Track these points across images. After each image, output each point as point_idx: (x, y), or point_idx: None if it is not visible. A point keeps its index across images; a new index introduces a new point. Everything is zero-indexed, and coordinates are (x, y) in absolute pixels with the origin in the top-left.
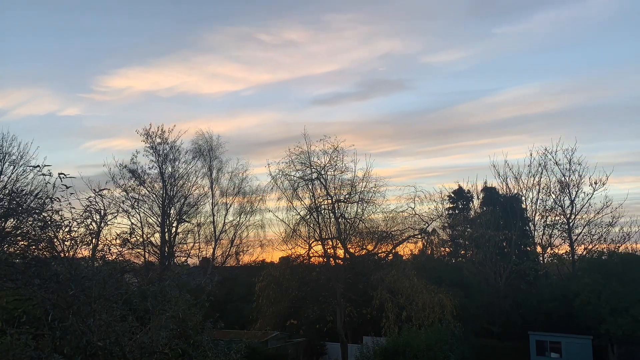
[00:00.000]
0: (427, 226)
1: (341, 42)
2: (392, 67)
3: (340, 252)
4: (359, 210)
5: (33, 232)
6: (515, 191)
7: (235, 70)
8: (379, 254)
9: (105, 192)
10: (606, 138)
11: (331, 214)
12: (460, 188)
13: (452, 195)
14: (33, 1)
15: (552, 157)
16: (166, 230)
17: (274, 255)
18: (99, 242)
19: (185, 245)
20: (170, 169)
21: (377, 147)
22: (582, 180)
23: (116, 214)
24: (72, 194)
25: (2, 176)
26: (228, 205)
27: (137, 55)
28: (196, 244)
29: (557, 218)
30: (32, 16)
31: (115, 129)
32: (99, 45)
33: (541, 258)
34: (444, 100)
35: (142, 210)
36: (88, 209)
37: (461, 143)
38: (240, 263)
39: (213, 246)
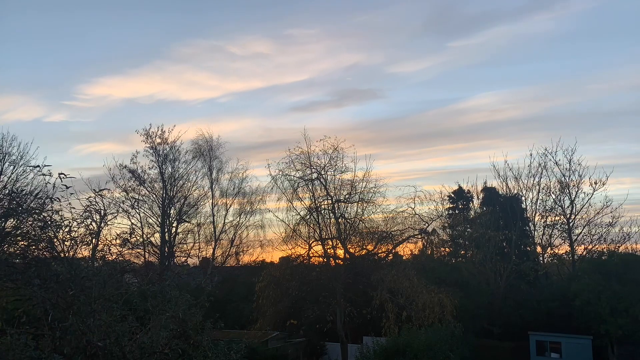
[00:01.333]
0: (427, 226)
1: (308, 55)
2: (359, 78)
3: (340, 252)
4: (359, 211)
5: (33, 232)
6: (515, 191)
7: (209, 79)
8: (379, 254)
9: (105, 192)
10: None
11: (331, 214)
12: (460, 188)
13: (452, 196)
14: (7, 14)
15: (552, 157)
16: (166, 230)
17: (274, 256)
18: (99, 242)
19: (185, 246)
20: (170, 169)
21: (357, 151)
22: (582, 181)
23: (116, 214)
24: (72, 194)
25: (2, 176)
26: (228, 206)
27: (114, 66)
28: (196, 244)
29: (557, 218)
30: (7, 26)
31: (102, 134)
32: (77, 56)
33: (541, 258)
34: (414, 108)
35: (142, 211)
36: (88, 209)
37: (439, 147)
38: (240, 263)
39: (213, 246)
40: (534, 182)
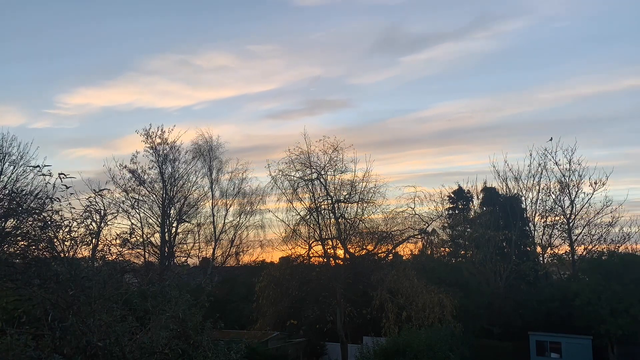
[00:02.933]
0: (427, 226)
1: (270, 67)
2: (323, 89)
3: (340, 253)
4: (359, 211)
5: (33, 232)
6: (515, 191)
7: (182, 89)
8: (379, 254)
9: (105, 192)
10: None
11: (331, 214)
12: (460, 188)
13: (452, 196)
14: None
15: (552, 157)
16: (166, 230)
17: (274, 256)
18: (99, 242)
19: (185, 246)
20: (170, 169)
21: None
22: (582, 181)
23: (116, 214)
24: (72, 194)
25: (2, 176)
26: (228, 206)
27: (89, 78)
28: (196, 244)
29: (557, 218)
30: None
31: (86, 139)
32: (54, 69)
33: (541, 258)
34: (379, 116)
35: (142, 211)
36: (88, 209)
37: (412, 151)
38: (240, 263)
39: (213, 246)
40: (534, 182)
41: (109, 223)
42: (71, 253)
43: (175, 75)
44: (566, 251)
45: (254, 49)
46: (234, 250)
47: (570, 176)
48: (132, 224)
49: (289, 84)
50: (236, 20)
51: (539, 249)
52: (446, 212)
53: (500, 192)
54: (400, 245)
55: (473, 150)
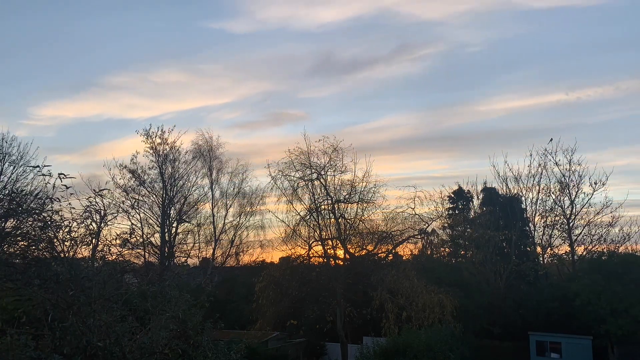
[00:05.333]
0: (427, 226)
1: (223, 84)
2: (276, 103)
3: (340, 253)
4: (359, 211)
5: (33, 233)
6: (515, 191)
7: (146, 102)
8: (379, 255)
9: (105, 192)
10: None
11: (331, 215)
12: (460, 188)
13: (452, 196)
14: None
15: (552, 157)
16: (166, 230)
17: (274, 256)
18: (99, 243)
19: (185, 246)
20: (170, 170)
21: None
22: (582, 181)
23: (116, 215)
24: (72, 194)
25: (2, 176)
26: (228, 206)
27: (56, 94)
28: (196, 244)
29: (557, 218)
30: None
31: (64, 147)
32: (23, 85)
33: (541, 258)
34: (336, 127)
35: (142, 211)
36: (88, 209)
37: (377, 157)
38: (240, 263)
39: (213, 246)
40: (534, 182)
41: (108, 223)
42: (71, 253)
43: (137, 90)
44: (566, 251)
45: (203, 68)
46: (234, 250)
47: (570, 176)
48: (132, 224)
49: (242, 97)
50: (184, 43)
51: (539, 249)
52: (446, 213)
53: (500, 193)
54: (400, 246)
55: (431, 157)
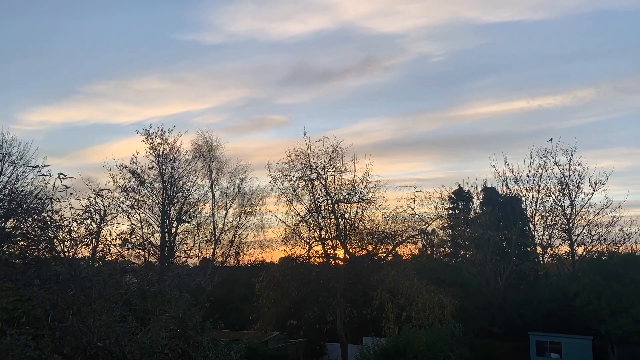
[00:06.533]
0: (427, 226)
1: (201, 91)
2: (256, 109)
3: (340, 253)
4: (359, 211)
5: (33, 233)
6: (515, 191)
7: (129, 108)
8: (379, 255)
9: (105, 192)
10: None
11: (331, 215)
12: (460, 188)
13: (452, 196)
14: None
15: (552, 157)
16: (166, 230)
17: (274, 256)
18: (99, 243)
19: (185, 246)
20: (170, 169)
21: None
22: (582, 181)
23: (116, 215)
24: (71, 194)
25: (2, 176)
26: (228, 206)
27: (43, 100)
28: (196, 244)
29: (557, 218)
30: None
31: (55, 151)
32: (8, 90)
33: (541, 258)
34: (319, 132)
35: (142, 211)
36: (88, 209)
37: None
38: (240, 263)
39: (213, 246)
40: (534, 182)
41: (108, 223)
42: (71, 253)
43: (120, 97)
44: (566, 251)
45: (182, 76)
46: (234, 250)
47: (570, 176)
48: (132, 224)
49: (224, 103)
50: (160, 54)
51: (539, 249)
52: (446, 213)
53: (500, 193)
54: (400, 246)
55: (410, 160)
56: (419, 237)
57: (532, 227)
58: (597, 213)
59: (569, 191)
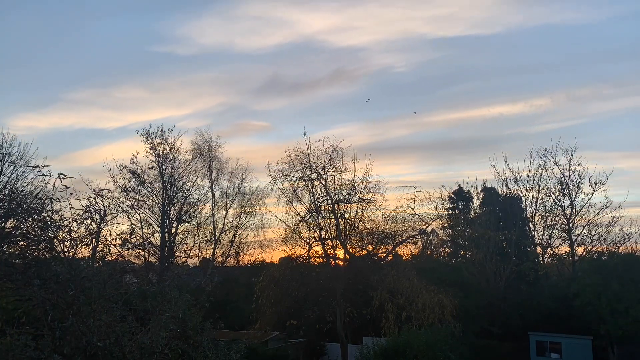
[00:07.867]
0: (427, 226)
1: (180, 98)
2: (236, 114)
3: (340, 253)
4: (358, 211)
5: (33, 233)
6: (515, 191)
7: (112, 114)
8: (379, 255)
9: (105, 192)
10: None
11: (331, 215)
12: (460, 188)
13: (452, 196)
14: None
15: (552, 157)
16: (166, 230)
17: (274, 256)
18: (99, 243)
19: (185, 246)
20: (170, 170)
21: None
22: (582, 181)
23: (116, 215)
24: (71, 194)
25: (2, 176)
26: (228, 206)
27: (26, 107)
28: (196, 244)
29: (557, 218)
30: None
31: (43, 155)
32: None
33: (541, 258)
34: (298, 136)
35: (142, 211)
36: (88, 209)
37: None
38: (240, 263)
39: (213, 246)
40: (534, 182)
41: (108, 223)
42: (71, 253)
43: (102, 104)
44: (566, 251)
45: (160, 84)
46: (234, 250)
47: (570, 176)
48: (132, 224)
49: (204, 109)
50: (137, 64)
51: (538, 249)
52: (446, 213)
53: (500, 193)
54: (400, 246)
55: (391, 163)
56: (419, 237)
57: (532, 227)
58: (597, 213)
59: (569, 191)
